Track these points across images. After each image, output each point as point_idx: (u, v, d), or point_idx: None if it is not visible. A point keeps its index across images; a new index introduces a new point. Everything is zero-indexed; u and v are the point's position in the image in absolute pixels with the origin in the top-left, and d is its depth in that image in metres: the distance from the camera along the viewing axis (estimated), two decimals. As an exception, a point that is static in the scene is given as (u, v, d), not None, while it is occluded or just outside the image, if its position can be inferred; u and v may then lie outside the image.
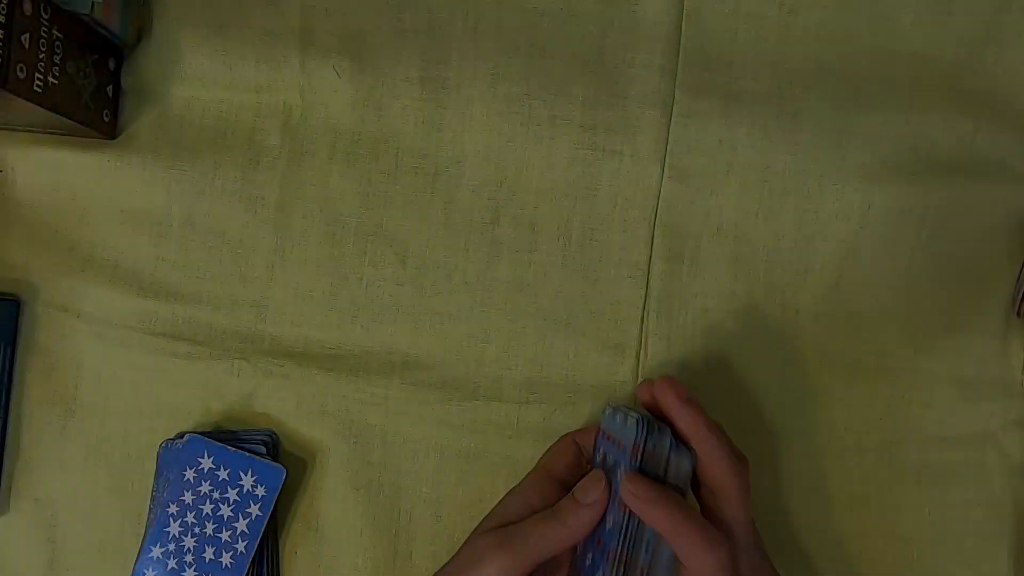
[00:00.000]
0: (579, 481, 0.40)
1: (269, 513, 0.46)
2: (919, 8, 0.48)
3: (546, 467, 0.43)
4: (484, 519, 0.41)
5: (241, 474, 0.47)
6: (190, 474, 0.47)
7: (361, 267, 0.49)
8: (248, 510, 0.46)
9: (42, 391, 0.50)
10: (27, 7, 0.41)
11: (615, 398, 0.48)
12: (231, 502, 0.46)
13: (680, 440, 0.40)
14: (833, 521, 0.49)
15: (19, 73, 0.41)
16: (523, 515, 0.40)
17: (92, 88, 0.47)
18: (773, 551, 0.41)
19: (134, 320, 0.49)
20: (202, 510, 0.46)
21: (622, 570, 0.38)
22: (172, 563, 0.46)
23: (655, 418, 0.41)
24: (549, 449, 0.44)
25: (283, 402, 0.49)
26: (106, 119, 0.49)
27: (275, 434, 0.49)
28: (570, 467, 0.43)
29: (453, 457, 0.49)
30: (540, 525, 0.39)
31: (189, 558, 0.46)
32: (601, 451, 0.42)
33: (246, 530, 0.46)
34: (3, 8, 0.40)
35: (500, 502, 0.42)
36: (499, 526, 0.40)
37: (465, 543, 0.40)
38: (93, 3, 0.46)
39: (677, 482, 0.39)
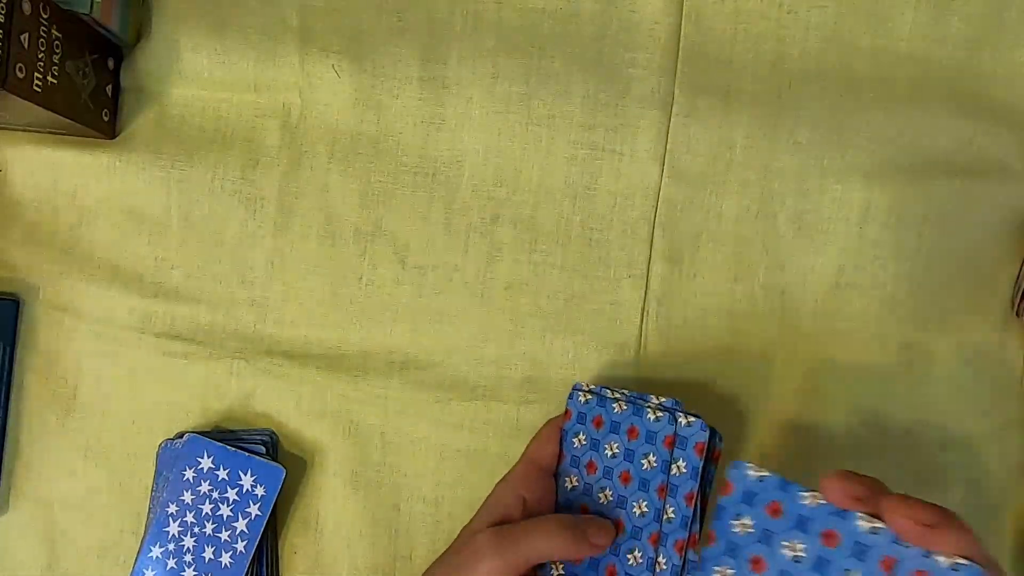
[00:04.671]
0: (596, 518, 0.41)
1: (268, 513, 0.46)
2: (918, 9, 0.48)
3: (532, 457, 0.44)
4: (478, 512, 0.42)
5: (240, 474, 0.47)
6: (189, 474, 0.47)
7: (361, 267, 0.49)
8: (248, 510, 0.46)
9: (42, 391, 0.50)
10: (26, 7, 0.41)
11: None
12: (230, 502, 0.46)
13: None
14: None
15: (18, 73, 0.41)
16: (515, 507, 0.41)
17: (91, 88, 0.47)
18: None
19: (134, 320, 0.49)
20: (202, 510, 0.46)
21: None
22: (171, 563, 0.46)
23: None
24: (534, 438, 0.45)
25: (283, 402, 0.49)
26: (105, 119, 0.49)
27: (274, 434, 0.49)
28: (555, 455, 0.44)
29: (453, 457, 0.49)
30: (538, 537, 0.39)
31: (188, 558, 0.46)
32: (580, 435, 0.43)
33: (245, 530, 0.46)
34: (2, 8, 0.40)
35: (491, 494, 0.42)
36: (495, 520, 0.40)
37: (462, 538, 0.41)
38: (92, 3, 0.46)
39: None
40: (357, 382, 0.49)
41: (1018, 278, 0.50)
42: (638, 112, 0.48)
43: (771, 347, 0.48)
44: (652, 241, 0.49)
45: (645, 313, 0.49)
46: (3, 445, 0.49)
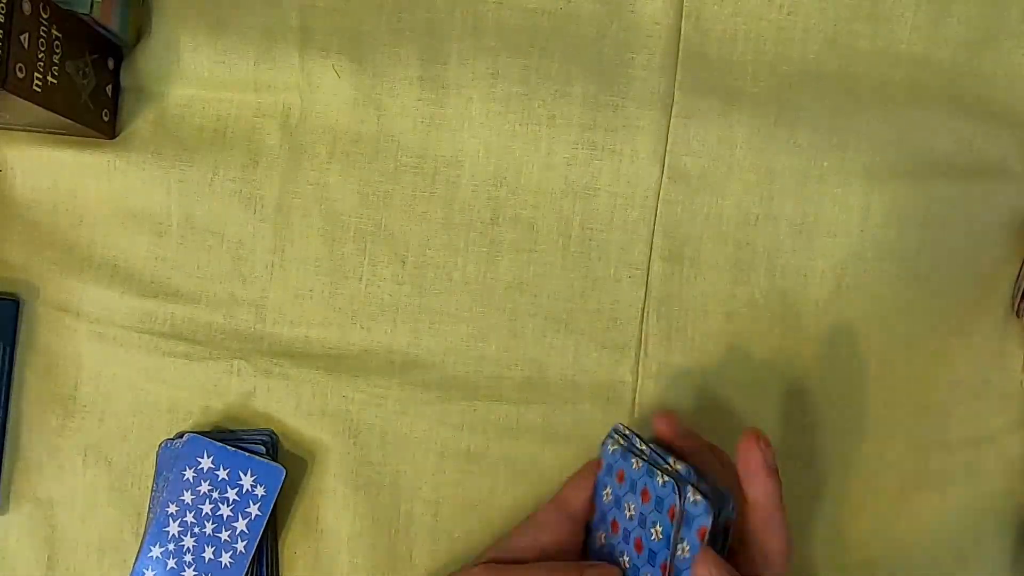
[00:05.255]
0: (597, 564, 0.40)
1: (268, 513, 0.46)
2: (918, 10, 0.48)
3: (563, 501, 0.43)
4: (494, 545, 0.41)
5: (240, 474, 0.47)
6: (189, 474, 0.47)
7: (361, 267, 0.49)
8: (247, 510, 0.46)
9: (42, 391, 0.50)
10: (26, 7, 0.41)
11: (614, 397, 0.48)
12: (230, 502, 0.47)
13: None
14: (832, 525, 0.49)
15: (18, 73, 0.41)
16: (531, 553, 0.40)
17: (91, 88, 0.47)
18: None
19: (134, 320, 0.49)
20: (201, 510, 0.47)
21: None
22: (171, 563, 0.46)
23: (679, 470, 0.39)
24: (569, 480, 0.44)
25: (283, 402, 0.49)
26: (105, 119, 0.49)
27: (274, 434, 0.49)
28: (587, 503, 0.42)
29: (453, 457, 0.49)
30: None
31: (188, 558, 0.46)
32: (608, 489, 0.42)
33: (245, 530, 0.46)
34: (2, 8, 0.40)
35: (512, 532, 0.42)
36: (509, 561, 0.40)
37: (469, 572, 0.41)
38: (92, 2, 0.45)
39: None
40: (357, 382, 0.49)
41: (1018, 278, 0.50)
42: (638, 112, 0.48)
43: (771, 348, 0.48)
44: (652, 241, 0.49)
45: (645, 313, 0.49)
46: (3, 445, 0.49)
